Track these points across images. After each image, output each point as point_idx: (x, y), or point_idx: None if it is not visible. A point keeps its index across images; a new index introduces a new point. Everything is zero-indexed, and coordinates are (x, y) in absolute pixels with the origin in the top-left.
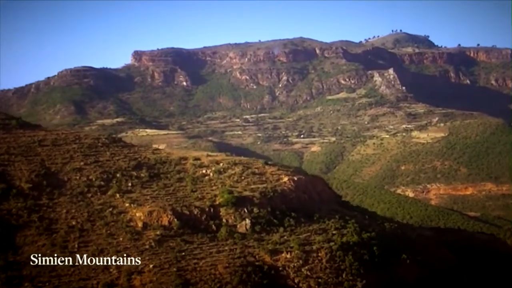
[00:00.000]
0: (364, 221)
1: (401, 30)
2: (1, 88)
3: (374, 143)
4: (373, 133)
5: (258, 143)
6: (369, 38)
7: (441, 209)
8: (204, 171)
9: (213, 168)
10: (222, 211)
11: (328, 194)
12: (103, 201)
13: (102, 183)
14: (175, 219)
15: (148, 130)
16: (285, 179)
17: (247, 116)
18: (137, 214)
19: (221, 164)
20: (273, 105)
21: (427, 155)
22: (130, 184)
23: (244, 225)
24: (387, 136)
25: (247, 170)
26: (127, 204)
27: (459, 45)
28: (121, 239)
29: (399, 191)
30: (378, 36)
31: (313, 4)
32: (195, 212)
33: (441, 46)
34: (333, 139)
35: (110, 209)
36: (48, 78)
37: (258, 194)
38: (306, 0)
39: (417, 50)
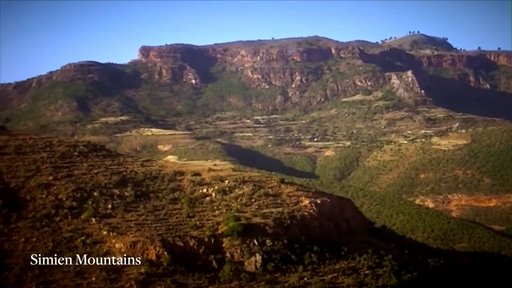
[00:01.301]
0: (403, 256)
1: (418, 32)
2: (2, 82)
3: (391, 149)
4: (390, 138)
5: (269, 146)
6: (386, 39)
7: (464, 222)
8: (204, 190)
9: (216, 187)
10: (226, 242)
11: (357, 220)
12: (74, 227)
13: (75, 203)
14: (165, 253)
15: (154, 130)
16: (306, 202)
17: (258, 117)
18: (117, 246)
19: (227, 182)
20: (286, 106)
21: (448, 163)
22: (110, 206)
23: (254, 261)
24: (405, 141)
25: (259, 190)
26: (104, 232)
27: (479, 48)
28: (93, 279)
29: (418, 201)
30: (395, 37)
31: (329, 2)
32: (191, 244)
33: (460, 49)
34: (348, 143)
35: (83, 238)
36: (51, 72)
37: (272, 221)
38: None
39: (435, 52)
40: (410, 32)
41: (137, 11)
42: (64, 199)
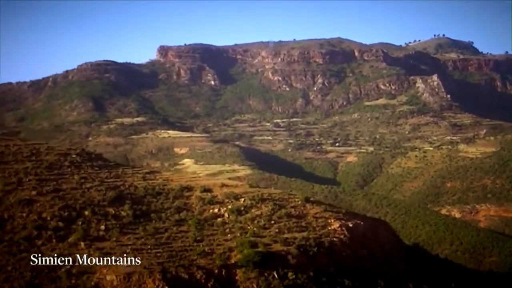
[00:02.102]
0: None
1: (443, 35)
2: (17, 80)
3: (416, 156)
4: (414, 144)
5: (289, 150)
6: (410, 42)
7: (494, 235)
8: (216, 210)
9: (230, 206)
10: (240, 275)
11: (393, 245)
12: (58, 252)
13: (61, 224)
14: (166, 287)
15: (170, 132)
16: (336, 225)
17: (278, 120)
18: (108, 278)
19: (242, 200)
20: (307, 110)
21: (476, 172)
22: (103, 227)
23: None
24: (431, 148)
25: (280, 210)
26: (95, 260)
27: (507, 52)
28: None
29: (444, 210)
30: (419, 40)
31: (353, 3)
32: (198, 276)
33: (486, 53)
34: (371, 149)
35: (68, 267)
36: (67, 71)
37: (295, 249)
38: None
39: (461, 56)
40: (434, 35)
41: (156, 10)
42: (48, 218)
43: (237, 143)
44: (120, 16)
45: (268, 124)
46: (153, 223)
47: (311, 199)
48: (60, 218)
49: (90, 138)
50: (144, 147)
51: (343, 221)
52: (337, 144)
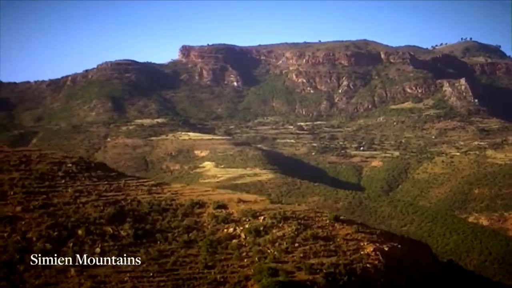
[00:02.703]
0: None
1: (471, 38)
2: (36, 79)
3: (443, 161)
4: (441, 149)
5: (313, 153)
6: (437, 45)
7: None
8: (231, 230)
9: (247, 226)
10: None
11: (434, 271)
12: (43, 280)
13: (49, 245)
14: None
15: (191, 134)
16: (369, 249)
17: (302, 123)
18: None
19: (261, 219)
20: (331, 112)
21: (505, 179)
22: (98, 250)
23: None
24: (458, 153)
25: (305, 230)
26: None
27: None
28: None
29: (471, 218)
30: (446, 44)
31: (379, 4)
32: None
33: None
34: (397, 153)
35: None
36: (86, 70)
37: (323, 277)
38: (371, 0)
39: (489, 60)
40: (462, 39)
41: (178, 9)
42: (34, 239)
43: (259, 146)
44: (142, 15)
45: (292, 127)
46: (158, 245)
47: (341, 217)
48: (48, 239)
49: (108, 139)
50: (164, 149)
51: (378, 244)
52: (361, 148)
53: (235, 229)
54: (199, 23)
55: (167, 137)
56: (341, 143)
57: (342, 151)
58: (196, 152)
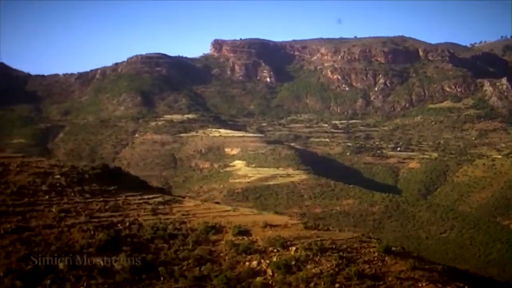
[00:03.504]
0: None
1: (511, 37)
2: (64, 72)
3: (484, 164)
4: (481, 151)
5: (347, 153)
6: (476, 43)
7: None
8: (254, 263)
9: (275, 258)
10: None
11: None
12: None
13: (20, 283)
14: None
15: (222, 130)
16: None
17: (337, 122)
18: None
19: (293, 250)
20: (367, 111)
21: None
22: None
23: None
24: (499, 156)
25: (348, 266)
26: None
27: None
28: None
29: None
30: (485, 41)
31: (417, 0)
32: None
33: None
34: (435, 155)
35: None
36: (116, 64)
37: None
38: None
39: None
40: (501, 37)
41: (211, 3)
42: (1, 274)
43: (292, 144)
44: (174, 9)
45: (326, 125)
46: (161, 282)
47: (393, 248)
48: (18, 275)
49: (136, 135)
50: (193, 146)
51: (440, 285)
52: (398, 148)
53: (259, 263)
54: (232, 17)
55: (197, 134)
56: (377, 143)
57: (378, 152)
58: (227, 150)
